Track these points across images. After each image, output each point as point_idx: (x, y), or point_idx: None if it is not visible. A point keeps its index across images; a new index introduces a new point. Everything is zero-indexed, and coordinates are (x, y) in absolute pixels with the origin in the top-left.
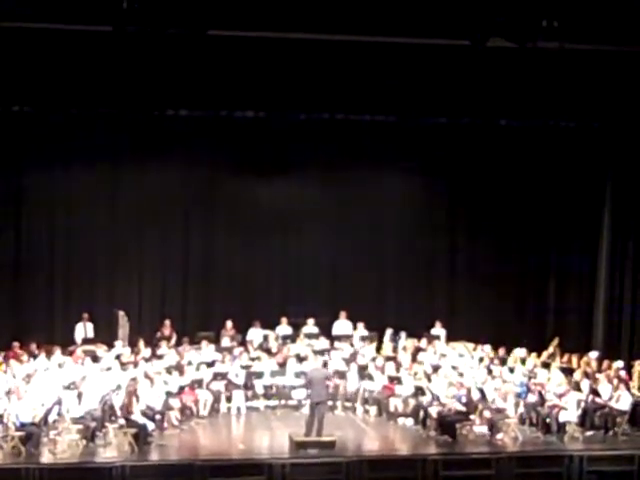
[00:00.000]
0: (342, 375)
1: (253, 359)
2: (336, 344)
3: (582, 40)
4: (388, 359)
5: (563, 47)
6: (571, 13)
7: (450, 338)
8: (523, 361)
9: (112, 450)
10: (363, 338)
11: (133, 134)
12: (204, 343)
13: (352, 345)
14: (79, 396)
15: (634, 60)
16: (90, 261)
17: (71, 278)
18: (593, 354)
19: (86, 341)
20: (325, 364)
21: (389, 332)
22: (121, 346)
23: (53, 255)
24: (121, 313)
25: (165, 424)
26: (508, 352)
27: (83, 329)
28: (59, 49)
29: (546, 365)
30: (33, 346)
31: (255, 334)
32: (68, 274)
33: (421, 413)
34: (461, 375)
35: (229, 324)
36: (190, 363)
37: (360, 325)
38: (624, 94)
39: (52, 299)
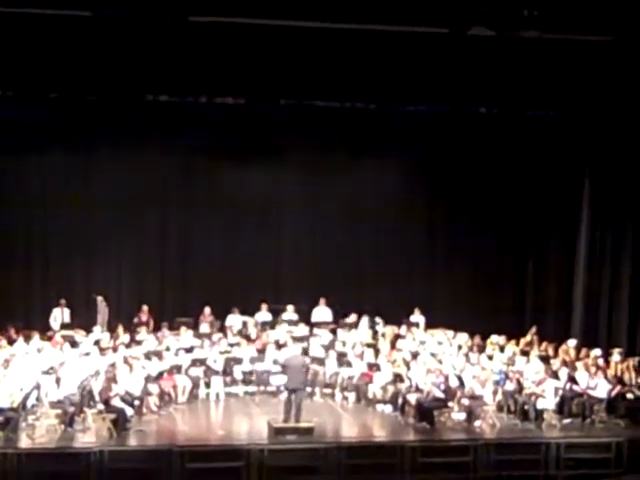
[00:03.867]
0: (321, 362)
1: (232, 345)
2: (315, 331)
3: (562, 30)
4: (367, 346)
5: (543, 36)
6: (551, 3)
7: (429, 325)
8: (502, 349)
9: (90, 435)
10: (343, 325)
11: (112, 119)
12: (183, 329)
13: (333, 332)
14: (58, 381)
15: (613, 50)
16: (68, 247)
17: (49, 263)
18: (571, 342)
19: (65, 326)
20: (304, 351)
21: (365, 319)
22: (100, 331)
23: (31, 241)
24: (100, 298)
25: (144, 409)
26: (485, 339)
27: (60, 314)
28: (38, 34)
29: (525, 353)
30: (12, 331)
31: (234, 320)
32: (46, 260)
33: (399, 400)
34: (440, 362)
35: (207, 310)
36: (169, 349)
37: (352, 315)
38: (603, 83)
39: (30, 285)
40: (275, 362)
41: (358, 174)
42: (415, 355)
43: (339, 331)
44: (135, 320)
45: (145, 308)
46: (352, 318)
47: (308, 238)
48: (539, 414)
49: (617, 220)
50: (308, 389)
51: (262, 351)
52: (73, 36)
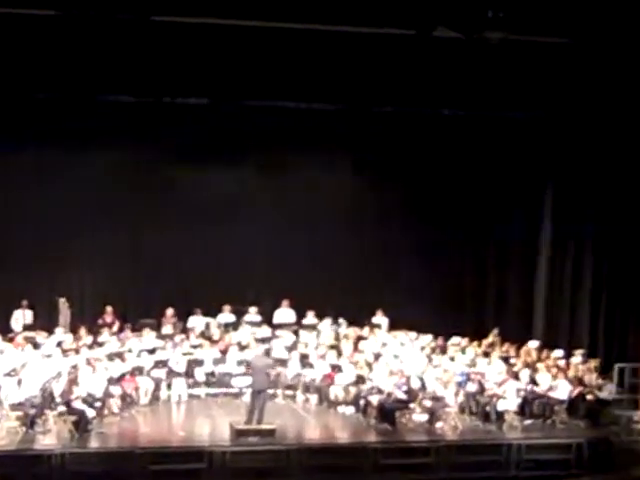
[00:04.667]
0: (283, 363)
1: (195, 347)
2: (277, 332)
3: (527, 31)
4: (330, 347)
5: (508, 38)
6: (517, 4)
7: (391, 327)
8: (463, 350)
9: (52, 437)
10: (306, 326)
11: (75, 119)
12: (145, 330)
13: (296, 333)
14: (19, 382)
15: (578, 51)
16: (30, 247)
17: (10, 264)
18: (533, 344)
19: (27, 328)
20: (267, 352)
21: (328, 320)
22: (62, 333)
23: None
24: (62, 300)
25: (105, 411)
26: (447, 341)
27: (22, 316)
28: (0, 32)
29: (486, 354)
30: None
31: (196, 322)
32: (7, 260)
33: (361, 401)
34: (402, 364)
35: (170, 312)
36: (131, 350)
37: (310, 313)
38: (566, 86)
39: None
40: (238, 363)
41: (321, 174)
42: (377, 356)
43: (301, 332)
44: (99, 321)
45: (109, 309)
46: (310, 318)
47: (271, 239)
48: (500, 415)
49: (579, 221)
50: (270, 391)
51: (225, 352)
52: (35, 35)
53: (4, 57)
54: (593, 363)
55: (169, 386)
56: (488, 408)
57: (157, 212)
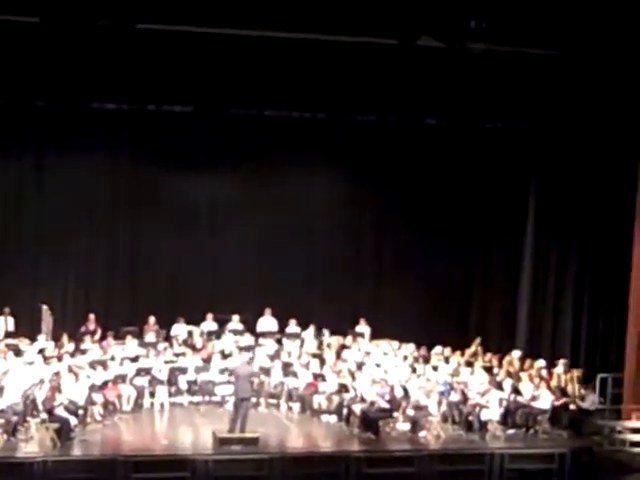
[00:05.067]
0: (266, 372)
1: (177, 355)
2: (260, 340)
3: (510, 42)
4: (313, 356)
5: (491, 48)
6: (499, 15)
7: (374, 336)
8: (447, 360)
9: (34, 445)
10: (289, 335)
11: (58, 126)
12: (128, 338)
13: (279, 342)
14: (1, 390)
15: (560, 63)
16: (12, 254)
17: None
18: (516, 353)
19: (9, 335)
20: (250, 361)
21: (311, 329)
22: (44, 340)
23: None
24: (44, 307)
25: (88, 419)
26: (430, 350)
27: (4, 323)
28: None
29: (469, 364)
30: None
31: (179, 330)
32: None
33: (344, 410)
34: (385, 373)
35: (152, 320)
36: (114, 358)
37: (292, 322)
38: (550, 96)
39: None
40: (221, 372)
41: (305, 183)
42: (360, 365)
43: (285, 341)
44: (82, 329)
45: (92, 317)
46: (292, 327)
47: (254, 248)
48: (483, 425)
49: (562, 233)
50: (253, 399)
51: (207, 361)
52: (20, 42)
53: None
54: (576, 373)
55: (152, 394)
56: (471, 418)
57: (141, 220)
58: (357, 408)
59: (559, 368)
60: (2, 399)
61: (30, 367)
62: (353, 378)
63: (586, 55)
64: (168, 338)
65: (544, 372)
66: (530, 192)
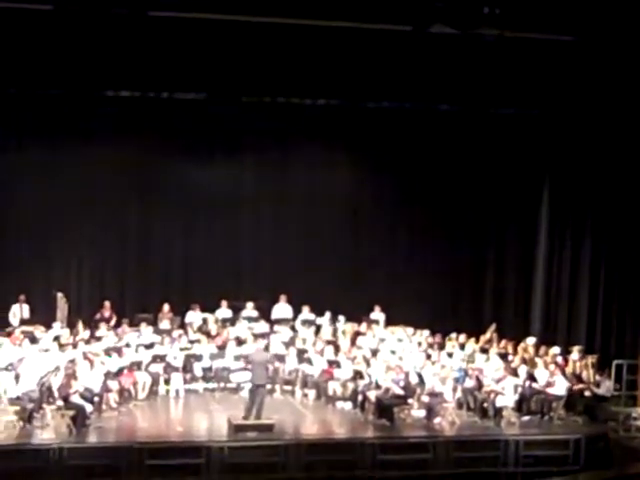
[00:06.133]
0: (281, 358)
1: (192, 342)
2: (275, 327)
3: (523, 28)
4: (327, 343)
5: (504, 34)
6: (513, 1)
7: (389, 322)
8: (462, 346)
9: (49, 432)
10: (304, 322)
11: (72, 115)
12: (143, 325)
13: (293, 329)
14: (17, 377)
15: (574, 49)
16: (27, 242)
17: (8, 259)
18: (530, 340)
19: (24, 322)
20: (266, 347)
21: (327, 316)
22: (59, 327)
23: None
24: (59, 294)
25: (103, 406)
26: (445, 337)
27: (19, 310)
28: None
29: (484, 350)
30: None
31: (194, 317)
32: (5, 255)
33: (359, 397)
34: (400, 359)
35: (166, 307)
36: (129, 345)
37: (305, 308)
38: (563, 82)
39: None
40: (236, 358)
41: (318, 171)
42: (375, 352)
43: (299, 328)
44: (97, 316)
45: (107, 304)
46: (306, 313)
47: (268, 235)
48: (498, 411)
49: (576, 219)
50: (268, 386)
51: (222, 348)
52: (33, 30)
53: (2, 53)
54: (591, 359)
55: (167, 381)
56: (486, 404)
57: (156, 208)
58: (372, 395)
59: (574, 354)
60: (18, 386)
61: (45, 354)
62: (368, 365)
63: (601, 41)
64: (183, 325)
65: (559, 359)
66: (544, 179)
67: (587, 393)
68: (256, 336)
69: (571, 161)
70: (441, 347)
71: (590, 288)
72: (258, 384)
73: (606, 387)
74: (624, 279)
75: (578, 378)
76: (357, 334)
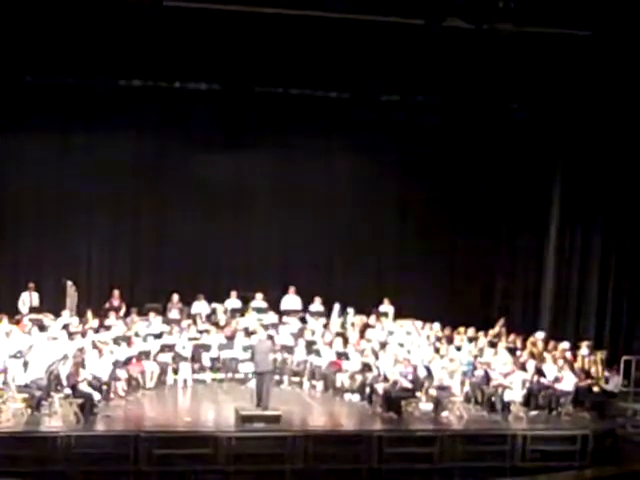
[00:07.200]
0: (290, 350)
1: (201, 332)
2: (284, 319)
3: (538, 22)
4: (336, 335)
5: (519, 29)
6: None
7: (398, 315)
8: (470, 340)
9: (57, 420)
10: (312, 313)
11: (85, 103)
12: (152, 315)
13: (303, 320)
14: (25, 365)
15: (588, 43)
16: (37, 230)
17: (18, 247)
18: (539, 335)
19: (34, 310)
20: (270, 337)
21: (337, 308)
22: (68, 316)
23: (1, 223)
24: (69, 283)
25: (111, 395)
26: (454, 330)
27: (29, 298)
28: (13, 14)
29: (493, 344)
30: None
31: (200, 307)
32: (15, 243)
33: (367, 389)
34: (408, 352)
35: (175, 297)
36: (138, 334)
37: (316, 300)
38: (579, 77)
39: None
40: (244, 349)
41: (329, 162)
42: (384, 345)
43: (308, 319)
44: (106, 305)
45: (117, 293)
46: (316, 305)
47: (278, 226)
48: (506, 406)
49: (587, 214)
50: (276, 377)
51: (231, 338)
52: (47, 18)
53: (13, 40)
54: (599, 355)
55: (175, 371)
56: (494, 398)
57: (166, 198)
58: (380, 387)
59: (583, 350)
60: (26, 374)
61: (54, 342)
62: (376, 357)
63: (615, 35)
64: (192, 315)
65: (568, 354)
66: (555, 173)
67: (595, 389)
68: (265, 327)
69: (584, 155)
70: (450, 341)
71: (600, 284)
72: (262, 371)
73: (614, 383)
74: (634, 275)
75: (587, 374)
76: (366, 326)
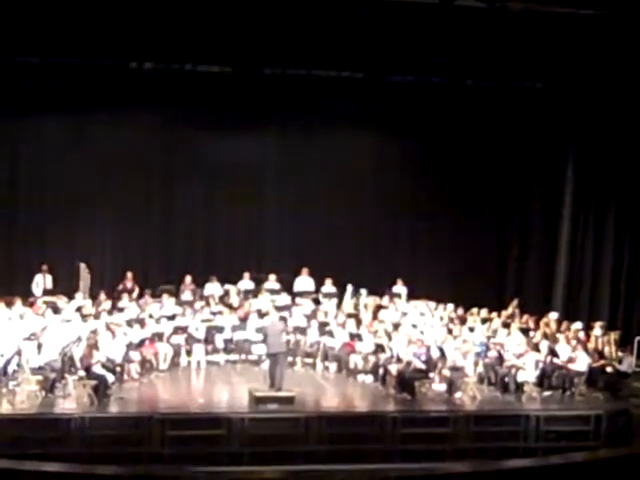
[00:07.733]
0: (303, 331)
1: (214, 313)
2: (297, 300)
3: (549, 1)
4: (349, 316)
5: (530, 8)
6: None
7: (411, 296)
8: (483, 321)
9: (71, 402)
10: (325, 295)
11: (96, 86)
12: (165, 296)
13: (316, 301)
14: (39, 347)
15: (601, 23)
16: (51, 213)
17: (31, 229)
18: (553, 315)
19: (47, 292)
20: (282, 318)
21: (350, 289)
22: (82, 298)
23: (15, 205)
24: (82, 265)
25: (125, 377)
26: (467, 311)
27: (42, 280)
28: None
29: (506, 325)
30: None
31: (212, 289)
32: (29, 225)
33: (381, 370)
34: (421, 333)
35: (188, 279)
36: (151, 316)
37: (328, 281)
38: (590, 56)
39: (12, 250)
40: (257, 331)
41: (342, 144)
42: (397, 326)
43: (321, 300)
44: (120, 287)
45: (130, 275)
46: (328, 286)
47: (291, 208)
48: (519, 386)
49: (600, 194)
50: (289, 358)
51: (244, 320)
52: (61, 2)
53: (31, 21)
54: (613, 335)
55: (188, 352)
56: (507, 379)
57: (179, 180)
58: (393, 368)
59: (596, 330)
60: (40, 356)
61: (68, 324)
62: (389, 338)
63: (627, 14)
64: (205, 297)
65: (581, 334)
66: (569, 153)
67: (609, 369)
68: (278, 308)
69: (597, 135)
70: (463, 321)
71: (613, 264)
72: (274, 352)
73: (628, 363)
74: None
75: (600, 354)
76: (379, 307)
